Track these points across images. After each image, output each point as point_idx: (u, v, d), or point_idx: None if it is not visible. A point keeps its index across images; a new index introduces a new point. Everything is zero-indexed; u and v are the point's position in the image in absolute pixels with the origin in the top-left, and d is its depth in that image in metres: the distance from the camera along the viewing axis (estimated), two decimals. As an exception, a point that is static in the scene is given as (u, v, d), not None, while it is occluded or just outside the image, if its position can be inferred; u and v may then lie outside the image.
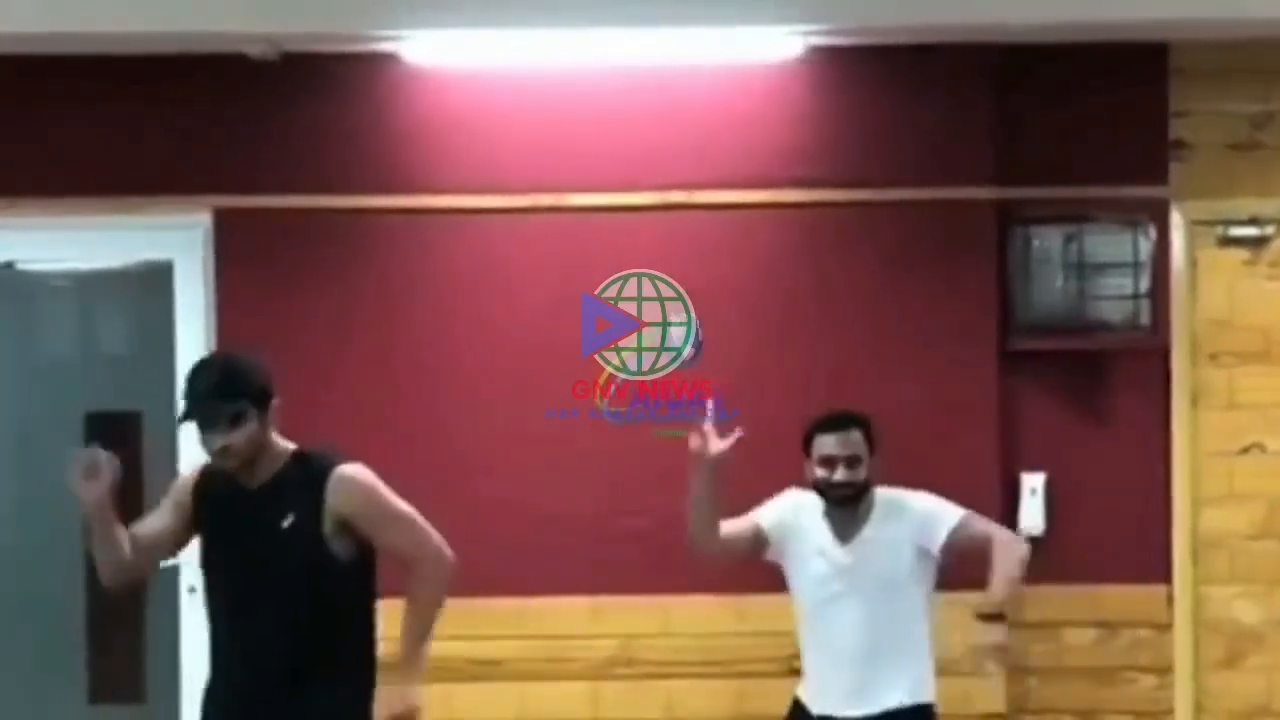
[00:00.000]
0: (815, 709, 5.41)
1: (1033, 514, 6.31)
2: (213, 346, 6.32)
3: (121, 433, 6.85)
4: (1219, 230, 6.39)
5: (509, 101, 6.28)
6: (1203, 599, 6.38)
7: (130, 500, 6.78)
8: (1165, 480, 6.36)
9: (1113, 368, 6.37)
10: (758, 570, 6.14)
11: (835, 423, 5.39)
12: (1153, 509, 6.35)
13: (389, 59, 6.16)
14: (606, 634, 6.24)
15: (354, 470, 4.71)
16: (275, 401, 4.74)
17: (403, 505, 4.76)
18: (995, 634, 5.70)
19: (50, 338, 7.34)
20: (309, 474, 4.68)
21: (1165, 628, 6.35)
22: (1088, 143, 6.29)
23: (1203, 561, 6.38)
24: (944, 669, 5.90)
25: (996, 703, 6.24)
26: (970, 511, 5.41)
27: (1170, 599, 6.36)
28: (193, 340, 6.34)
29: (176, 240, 6.36)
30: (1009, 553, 5.34)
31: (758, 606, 6.22)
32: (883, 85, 6.25)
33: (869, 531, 5.37)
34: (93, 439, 6.89)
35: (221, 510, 4.73)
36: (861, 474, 5.36)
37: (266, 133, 6.25)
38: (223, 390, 4.62)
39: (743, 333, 6.30)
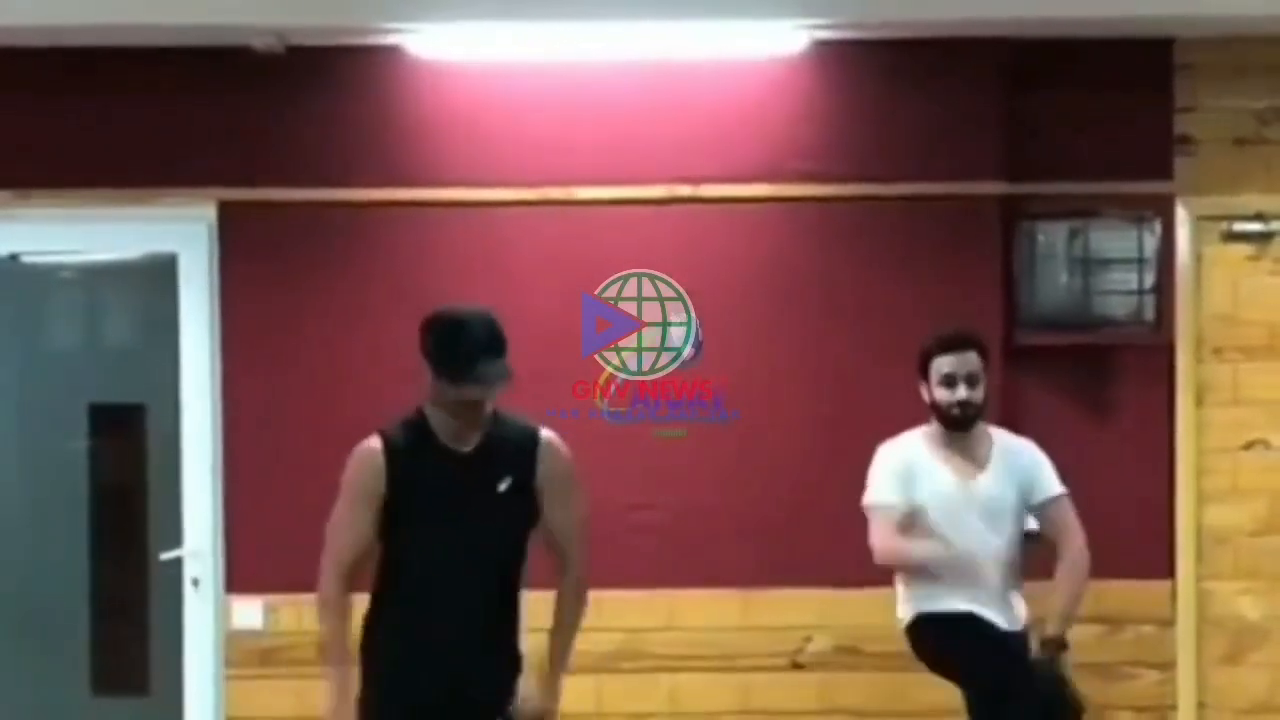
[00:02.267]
0: (936, 607, 5.50)
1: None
2: (217, 339, 6.33)
3: (126, 425, 6.86)
4: (1224, 226, 6.39)
5: (514, 95, 6.28)
6: (1206, 595, 6.39)
7: (135, 492, 6.84)
8: (1169, 476, 6.36)
9: (1117, 363, 6.37)
10: (763, 564, 6.17)
11: (954, 342, 5.54)
12: (1156, 504, 6.35)
13: (394, 52, 6.16)
14: (611, 628, 6.23)
15: (559, 439, 4.77)
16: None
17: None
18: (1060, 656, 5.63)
19: (55, 330, 7.33)
20: (516, 436, 4.71)
21: (1168, 623, 6.36)
22: (1094, 138, 6.28)
23: (1206, 557, 6.39)
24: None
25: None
26: (1066, 494, 5.57)
27: (1174, 595, 6.36)
28: (197, 333, 6.35)
29: (181, 233, 6.36)
30: (1074, 579, 5.54)
31: (763, 600, 6.23)
32: (889, 80, 6.24)
33: (986, 462, 5.53)
34: (98, 430, 6.92)
35: (430, 476, 4.67)
36: (980, 393, 5.52)
37: (272, 126, 6.25)
38: (497, 348, 4.63)
39: (747, 326, 6.30)
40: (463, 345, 4.62)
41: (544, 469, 4.73)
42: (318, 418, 6.25)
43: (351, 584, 4.69)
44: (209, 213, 6.31)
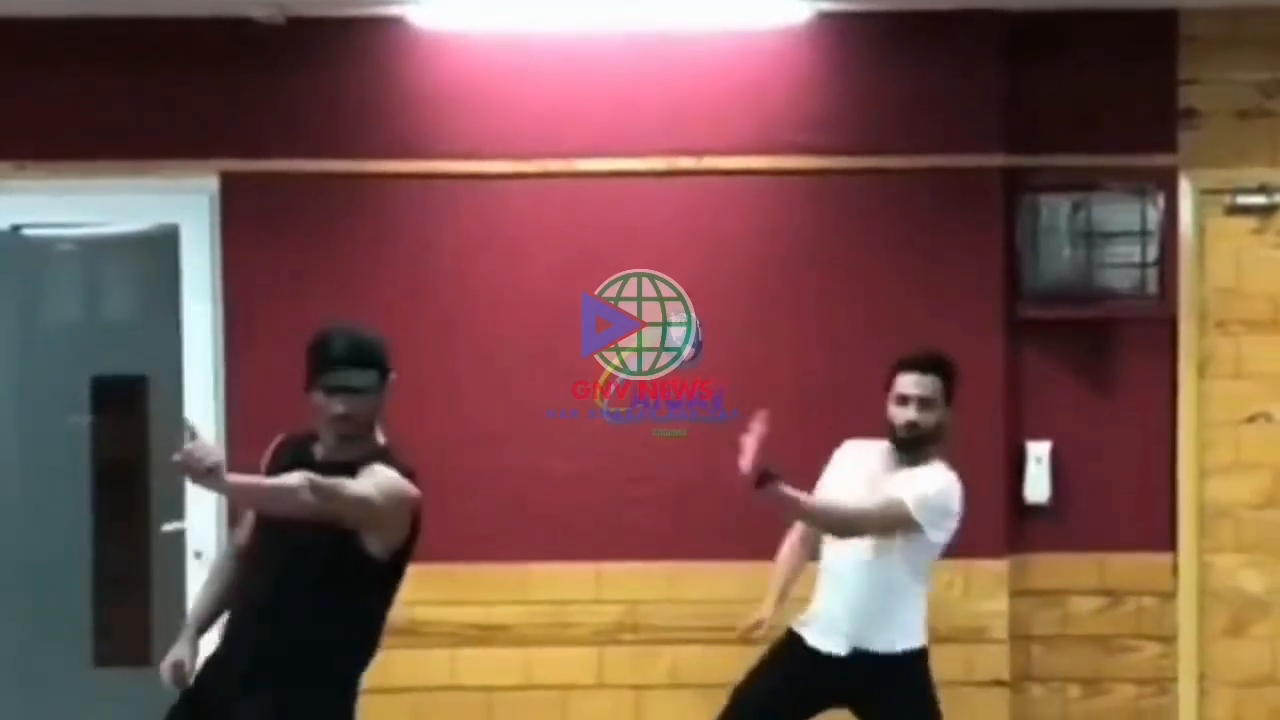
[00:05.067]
0: (798, 628, 5.53)
1: (1038, 482, 6.31)
2: (219, 311, 6.32)
3: (128, 397, 6.86)
4: (1227, 199, 6.37)
5: (516, 67, 6.27)
6: (1207, 568, 6.38)
7: (136, 465, 6.84)
8: (1171, 449, 6.36)
9: (1120, 336, 6.36)
10: (762, 536, 6.15)
11: (919, 363, 5.46)
12: (1158, 477, 6.35)
13: (396, 23, 6.15)
14: (611, 599, 6.25)
15: (382, 469, 4.61)
16: (392, 376, 4.73)
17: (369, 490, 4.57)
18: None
19: (57, 302, 7.33)
20: (361, 460, 4.62)
21: (1170, 596, 6.36)
22: (1096, 110, 6.27)
23: (1208, 531, 6.38)
24: (948, 636, 5.93)
25: (1000, 670, 6.25)
26: (902, 500, 5.35)
27: (1175, 568, 6.36)
28: (199, 305, 6.35)
29: (183, 204, 6.36)
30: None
31: (763, 572, 6.22)
32: (891, 52, 6.23)
33: (893, 479, 5.42)
34: (99, 403, 6.92)
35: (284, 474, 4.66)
36: (931, 418, 5.41)
37: (273, 97, 6.24)
38: (359, 358, 4.63)
39: (750, 298, 6.29)
40: (321, 355, 4.65)
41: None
42: (319, 390, 6.25)
43: None
44: (211, 184, 6.30)
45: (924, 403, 5.42)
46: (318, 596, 4.61)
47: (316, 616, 4.60)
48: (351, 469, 4.60)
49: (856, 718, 5.53)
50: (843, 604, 5.47)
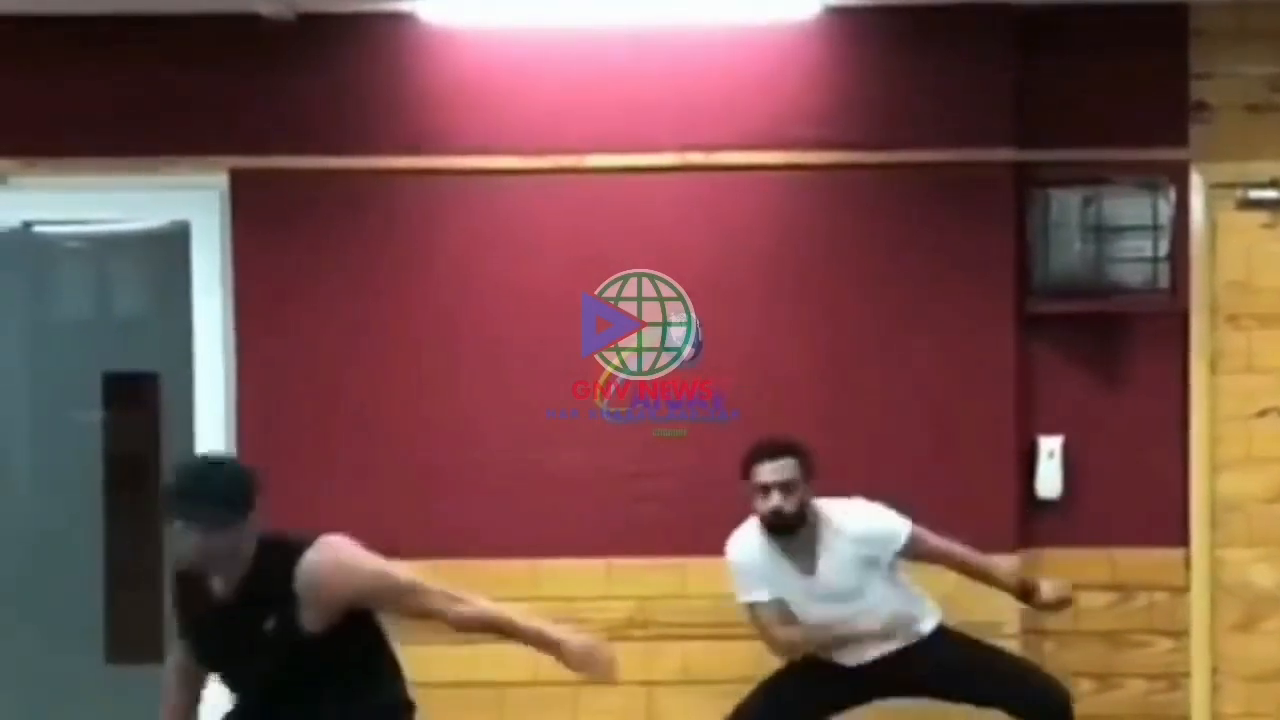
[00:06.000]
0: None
1: (1050, 477, 6.30)
2: (229, 307, 6.33)
3: (139, 394, 6.86)
4: (1239, 193, 6.36)
5: (526, 62, 6.26)
6: (1219, 563, 6.37)
7: (147, 461, 6.84)
8: (1183, 444, 6.34)
9: (1131, 331, 6.35)
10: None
11: (769, 450, 5.55)
12: (1170, 472, 6.34)
13: (405, 19, 6.15)
14: (621, 595, 6.25)
15: (319, 555, 4.45)
16: (256, 509, 4.50)
17: (390, 567, 4.54)
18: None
19: (68, 299, 7.33)
20: (278, 569, 4.45)
21: (1182, 591, 6.35)
22: (1107, 105, 6.26)
23: (1220, 525, 6.37)
24: (960, 631, 5.92)
25: (1012, 665, 6.24)
26: (913, 527, 5.57)
27: (1187, 562, 6.35)
28: (209, 301, 6.35)
29: (193, 201, 6.35)
30: (967, 552, 5.67)
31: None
32: (902, 46, 6.22)
33: (823, 553, 5.56)
34: (110, 399, 6.92)
35: (203, 629, 4.61)
36: (794, 501, 5.51)
37: (283, 93, 6.24)
38: (209, 493, 4.43)
39: (759, 293, 6.28)
40: (165, 490, 4.56)
41: (310, 597, 4.45)
42: (330, 385, 6.26)
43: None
44: (221, 180, 6.30)
45: (784, 486, 5.51)
46: (346, 674, 4.58)
47: (353, 689, 4.60)
48: (279, 580, 4.46)
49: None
50: (855, 648, 5.63)
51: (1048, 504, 6.27)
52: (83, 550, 6.95)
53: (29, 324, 7.14)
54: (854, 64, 6.24)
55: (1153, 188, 6.28)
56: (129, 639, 6.98)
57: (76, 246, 7.08)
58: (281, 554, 4.47)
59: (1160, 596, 6.34)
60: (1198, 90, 6.31)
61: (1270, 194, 6.36)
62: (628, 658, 6.18)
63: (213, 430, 6.37)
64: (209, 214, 6.35)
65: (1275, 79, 6.32)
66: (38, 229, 6.71)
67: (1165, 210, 6.28)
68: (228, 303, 6.34)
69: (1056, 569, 6.19)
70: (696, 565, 6.23)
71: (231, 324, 6.34)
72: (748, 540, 5.65)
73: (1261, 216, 6.37)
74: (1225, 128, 6.31)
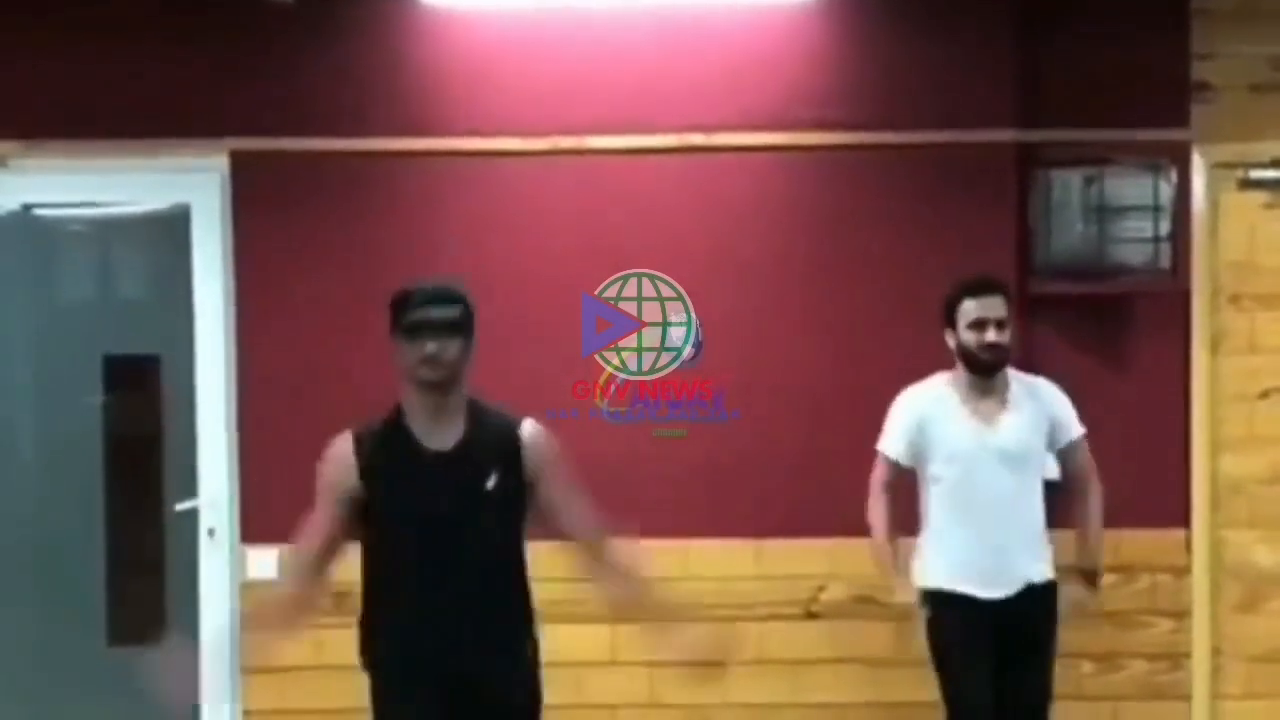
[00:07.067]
0: (953, 587, 5.58)
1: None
2: (230, 290, 6.32)
3: (140, 376, 6.85)
4: (1240, 173, 6.36)
5: (526, 43, 6.25)
6: (1221, 543, 6.38)
7: (149, 443, 6.84)
8: (1184, 424, 6.35)
9: (1133, 311, 6.35)
10: (776, 513, 6.16)
11: (981, 286, 5.59)
12: (1172, 453, 6.34)
13: (405, 0, 6.13)
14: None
15: (538, 427, 4.69)
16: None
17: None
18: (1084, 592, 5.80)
19: (69, 281, 7.32)
20: (498, 429, 4.62)
21: (1184, 572, 6.35)
22: (1109, 85, 6.25)
23: (1222, 506, 6.38)
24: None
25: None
26: (1085, 434, 5.69)
27: (1189, 543, 6.36)
28: (210, 283, 6.35)
29: (194, 183, 6.36)
30: (1100, 516, 5.70)
31: (776, 549, 6.24)
32: (903, 27, 6.21)
33: (1010, 407, 5.58)
34: (112, 382, 6.92)
35: (406, 476, 4.59)
36: (1008, 337, 5.57)
37: (283, 75, 6.23)
38: (445, 297, 4.58)
39: (762, 275, 6.28)
40: (408, 300, 4.60)
41: (532, 461, 4.63)
42: (332, 367, 6.26)
43: (319, 579, 4.69)
44: (221, 163, 6.30)
45: (999, 323, 5.55)
46: (508, 534, 4.66)
47: (515, 556, 4.69)
48: (480, 465, 4.56)
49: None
50: (1002, 541, 5.55)
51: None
52: (84, 532, 6.95)
53: (30, 307, 7.13)
54: (855, 45, 6.24)
55: (1154, 168, 6.27)
56: (130, 621, 6.99)
57: (77, 229, 7.07)
58: (499, 416, 4.65)
59: (1162, 577, 6.35)
60: (1199, 70, 6.30)
61: (1272, 174, 6.35)
62: (629, 641, 6.24)
63: (214, 412, 6.38)
64: (210, 196, 6.35)
65: (1277, 59, 6.32)
66: (38, 212, 6.71)
67: (1167, 191, 6.28)
68: (229, 285, 6.34)
69: (1058, 550, 6.19)
70: (700, 547, 6.23)
71: (232, 306, 6.34)
72: (928, 390, 5.65)
73: (1263, 197, 6.37)
74: (1227, 108, 6.30)
